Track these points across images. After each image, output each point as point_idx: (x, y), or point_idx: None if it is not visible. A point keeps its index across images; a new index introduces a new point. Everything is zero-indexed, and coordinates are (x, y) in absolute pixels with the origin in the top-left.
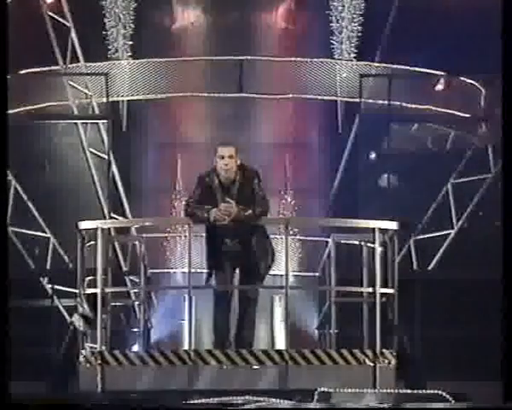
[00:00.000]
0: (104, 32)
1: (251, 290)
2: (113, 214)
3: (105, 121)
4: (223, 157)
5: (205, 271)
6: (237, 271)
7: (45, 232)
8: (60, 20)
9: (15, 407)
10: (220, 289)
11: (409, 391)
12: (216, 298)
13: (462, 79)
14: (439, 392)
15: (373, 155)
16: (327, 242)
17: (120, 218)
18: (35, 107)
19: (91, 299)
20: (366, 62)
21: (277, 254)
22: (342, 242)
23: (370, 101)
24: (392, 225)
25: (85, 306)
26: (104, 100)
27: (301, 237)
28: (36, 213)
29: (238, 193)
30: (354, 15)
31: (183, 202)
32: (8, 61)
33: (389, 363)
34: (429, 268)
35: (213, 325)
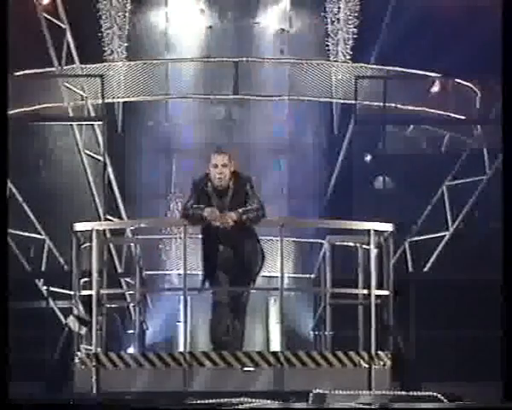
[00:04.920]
0: (100, 34)
1: (242, 295)
2: (108, 216)
3: (100, 123)
4: (216, 166)
5: (200, 272)
6: (231, 274)
7: (40, 234)
8: (55, 21)
9: (13, 408)
10: (216, 292)
11: (403, 393)
12: (213, 303)
13: (457, 80)
14: (434, 393)
15: (368, 157)
16: (322, 243)
17: (115, 219)
18: (30, 108)
19: (86, 301)
20: (361, 64)
21: (273, 256)
22: (337, 243)
23: (366, 102)
24: (388, 227)
25: (80, 307)
26: (99, 101)
27: (296, 239)
28: (31, 215)
29: (231, 200)
30: (350, 17)
31: (182, 207)
32: (9, 61)
33: (384, 365)
34: (424, 270)
35: (209, 329)
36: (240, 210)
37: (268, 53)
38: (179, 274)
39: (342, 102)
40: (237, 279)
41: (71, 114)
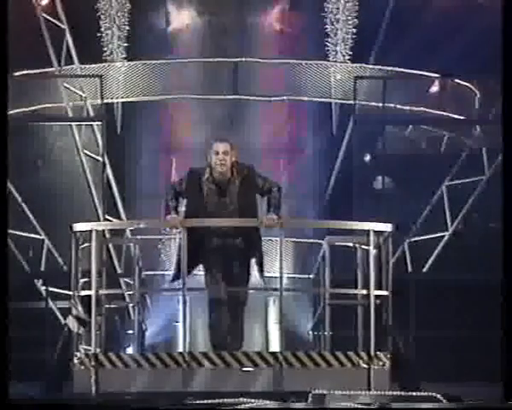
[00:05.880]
0: (99, 34)
1: (242, 293)
2: (107, 216)
3: (99, 123)
4: (217, 153)
5: (200, 273)
6: (231, 272)
7: (39, 234)
8: (54, 21)
9: (13, 408)
10: (214, 291)
11: (403, 393)
12: (212, 303)
13: (456, 80)
14: (433, 394)
15: (367, 157)
16: (321, 244)
17: (115, 220)
18: (29, 109)
19: (85, 301)
20: (361, 64)
21: (272, 256)
22: (336, 244)
23: (365, 103)
24: (387, 227)
25: (80, 308)
26: (99, 102)
27: (296, 239)
28: (30, 215)
29: (238, 196)
30: (349, 17)
31: (168, 190)
32: (9, 61)
33: (383, 365)
34: (424, 270)
35: (208, 329)
36: (272, 209)
37: (267, 53)
38: None
39: (341, 102)
40: (238, 278)
41: (70, 115)
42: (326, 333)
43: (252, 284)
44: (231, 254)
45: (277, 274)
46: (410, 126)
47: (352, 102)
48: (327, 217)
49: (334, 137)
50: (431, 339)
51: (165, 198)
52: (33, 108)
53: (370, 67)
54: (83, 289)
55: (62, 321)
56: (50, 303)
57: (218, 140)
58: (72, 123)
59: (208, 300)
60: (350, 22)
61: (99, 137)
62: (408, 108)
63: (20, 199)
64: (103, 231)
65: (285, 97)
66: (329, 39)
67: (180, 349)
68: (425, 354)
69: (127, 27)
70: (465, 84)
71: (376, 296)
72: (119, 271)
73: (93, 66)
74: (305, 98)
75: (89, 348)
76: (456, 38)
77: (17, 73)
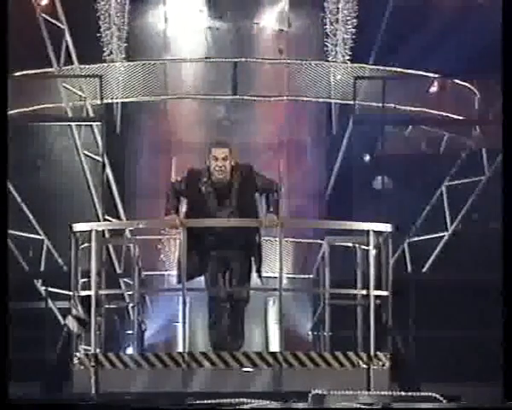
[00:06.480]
0: (98, 34)
1: (243, 292)
2: (107, 216)
3: (99, 123)
4: (216, 159)
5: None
6: (227, 272)
7: (39, 234)
8: (54, 22)
9: (12, 408)
10: (214, 291)
11: (402, 393)
12: (209, 301)
13: (456, 81)
14: (433, 394)
15: (367, 158)
16: (321, 244)
17: (114, 220)
18: (29, 109)
19: (85, 301)
20: (360, 64)
21: (271, 256)
22: (336, 244)
23: (364, 103)
24: (387, 227)
25: (79, 308)
26: (98, 102)
27: (295, 239)
28: (30, 215)
29: (238, 196)
30: (349, 18)
31: (169, 187)
32: (9, 61)
33: (383, 365)
34: (423, 270)
35: (208, 329)
36: (271, 208)
37: (267, 53)
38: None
39: (341, 102)
40: (239, 278)
41: (70, 115)
42: (326, 333)
43: (252, 284)
44: (231, 255)
45: (277, 274)
46: (410, 126)
47: (351, 102)
48: (327, 217)
49: (334, 137)
50: (431, 339)
51: (165, 197)
52: (33, 108)
53: (370, 67)
54: (83, 289)
55: (62, 321)
56: (50, 303)
57: (217, 145)
58: (72, 123)
59: (208, 300)
60: (350, 22)
61: (99, 137)
62: (408, 108)
63: (19, 199)
64: (103, 231)
65: (285, 97)
66: (329, 39)
67: (180, 349)
68: (425, 354)
69: (127, 27)
70: (465, 84)
71: (376, 296)
72: (118, 271)
73: (92, 66)
74: (305, 98)
75: (88, 348)
76: (457, 38)
77: (17, 73)
